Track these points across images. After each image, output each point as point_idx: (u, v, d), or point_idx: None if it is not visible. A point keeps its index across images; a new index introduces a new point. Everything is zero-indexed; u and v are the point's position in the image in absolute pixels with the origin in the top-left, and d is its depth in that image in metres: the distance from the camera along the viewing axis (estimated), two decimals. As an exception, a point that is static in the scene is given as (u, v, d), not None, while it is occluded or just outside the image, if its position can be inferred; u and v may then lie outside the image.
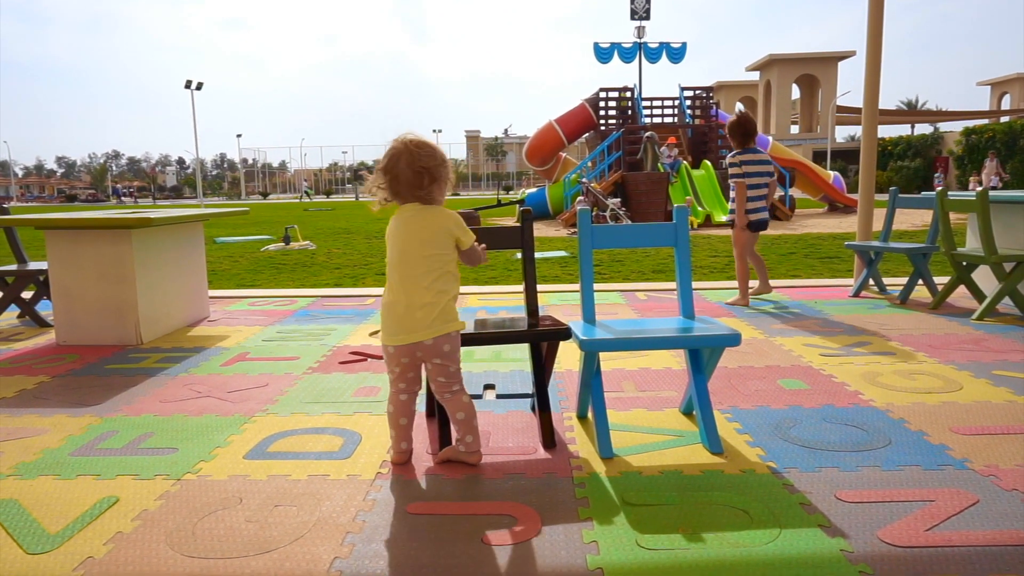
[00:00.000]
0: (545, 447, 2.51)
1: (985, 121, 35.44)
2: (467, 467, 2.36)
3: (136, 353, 4.04)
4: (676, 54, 22.82)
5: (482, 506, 2.08)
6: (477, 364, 3.67)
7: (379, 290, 6.25)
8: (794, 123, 48.20)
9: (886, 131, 45.64)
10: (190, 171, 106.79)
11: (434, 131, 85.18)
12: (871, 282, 5.70)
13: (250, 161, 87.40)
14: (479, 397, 3.13)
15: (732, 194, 5.23)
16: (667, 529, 1.93)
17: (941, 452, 2.41)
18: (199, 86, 38.36)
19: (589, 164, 18.23)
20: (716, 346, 2.51)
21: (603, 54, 22.81)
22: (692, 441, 2.55)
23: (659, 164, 15.63)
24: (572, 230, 13.63)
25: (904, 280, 5.57)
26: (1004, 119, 34.60)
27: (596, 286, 6.02)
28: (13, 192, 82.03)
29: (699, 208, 14.74)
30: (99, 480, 2.31)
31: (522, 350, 3.82)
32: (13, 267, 5.02)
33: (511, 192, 47.10)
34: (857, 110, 35.78)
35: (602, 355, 2.91)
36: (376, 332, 4.39)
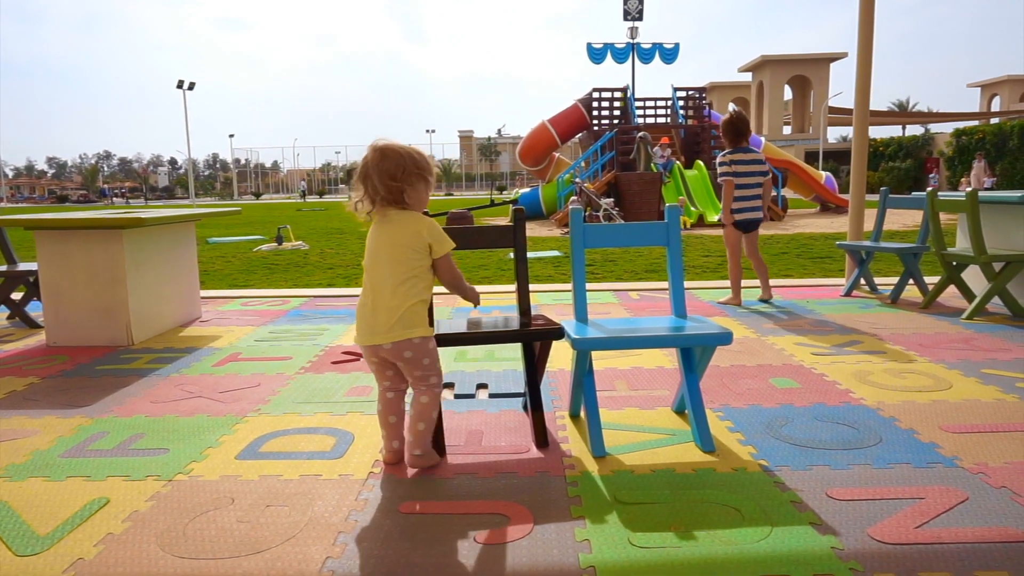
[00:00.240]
0: (538, 446, 2.51)
1: (975, 122, 35.68)
2: (458, 466, 2.36)
3: (127, 354, 4.02)
4: (669, 55, 22.89)
5: (474, 505, 2.08)
6: (470, 363, 3.67)
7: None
8: (786, 124, 48.40)
9: (877, 132, 45.90)
10: (182, 171, 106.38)
11: (427, 131, 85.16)
12: (862, 282, 5.72)
13: (242, 161, 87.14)
14: (471, 396, 3.13)
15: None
16: (659, 527, 1.93)
17: (931, 450, 2.42)
18: (191, 86, 38.22)
19: (582, 164, 18.25)
20: (708, 345, 2.52)
21: (596, 54, 22.85)
22: (684, 440, 2.56)
23: (652, 164, 15.67)
24: (565, 230, 13.64)
25: (895, 280, 5.60)
26: (994, 120, 34.84)
27: (589, 286, 6.02)
28: (3, 193, 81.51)
29: (692, 208, 14.78)
30: (89, 481, 2.30)
31: (515, 349, 3.83)
32: (3, 268, 4.98)
33: (504, 192, 47.11)
34: (849, 111, 35.97)
35: (594, 354, 2.91)
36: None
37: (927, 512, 1.98)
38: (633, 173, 15.44)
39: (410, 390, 2.34)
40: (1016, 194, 4.67)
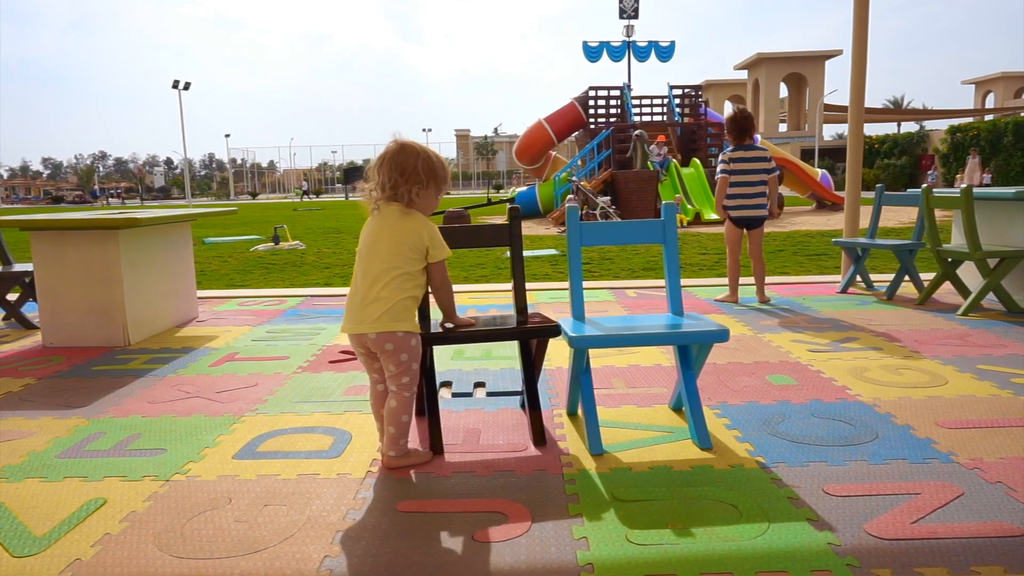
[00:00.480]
0: (535, 444, 2.52)
1: (970, 119, 35.74)
2: (456, 465, 2.36)
3: (124, 354, 4.01)
4: (665, 53, 22.88)
5: (472, 503, 2.09)
6: (467, 362, 3.67)
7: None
8: (782, 121, 48.44)
9: (872, 129, 45.99)
10: (178, 171, 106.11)
11: (424, 130, 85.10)
12: (858, 278, 5.74)
13: (239, 161, 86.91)
14: (469, 395, 3.14)
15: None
16: (657, 524, 1.94)
17: (927, 446, 2.43)
18: (187, 86, 38.12)
19: (579, 162, 18.25)
20: (705, 342, 2.52)
21: (592, 53, 22.84)
22: (681, 437, 2.56)
23: (648, 162, 15.68)
24: (562, 228, 13.64)
25: (891, 276, 5.62)
26: (988, 117, 34.94)
27: (586, 284, 6.02)
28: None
29: (688, 206, 14.80)
30: (86, 482, 2.29)
31: (512, 348, 3.83)
32: (-2, 268, 4.97)
33: (501, 191, 47.10)
34: (844, 108, 36.01)
35: (592, 352, 2.92)
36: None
37: (923, 507, 1.99)
38: (630, 171, 15.44)
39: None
40: (1010, 190, 4.68)
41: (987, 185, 24.71)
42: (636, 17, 23.38)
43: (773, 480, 2.19)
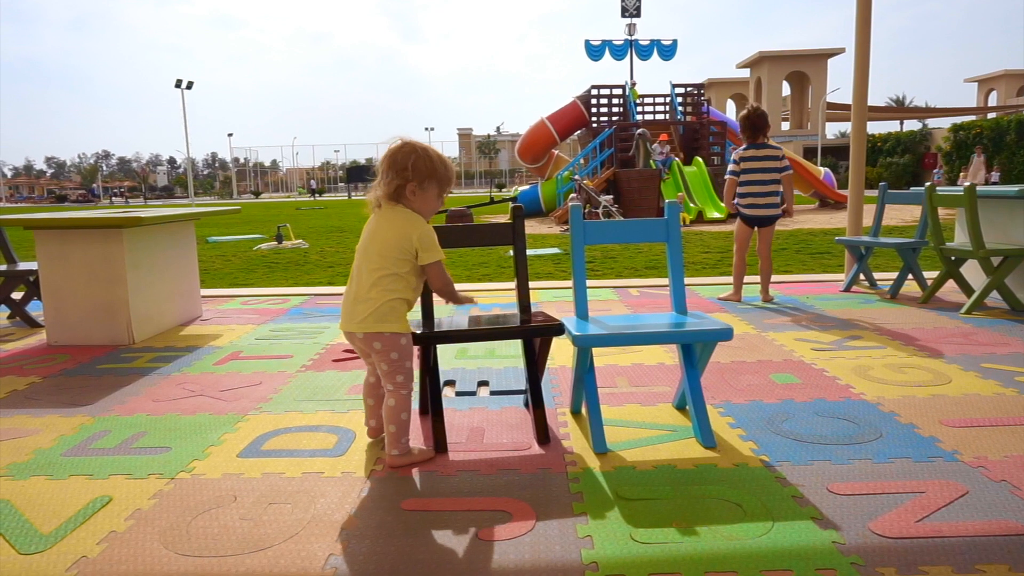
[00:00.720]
0: (539, 443, 2.52)
1: (972, 117, 35.64)
2: (460, 463, 2.36)
3: (128, 353, 4.02)
4: (667, 51, 22.85)
5: (477, 502, 2.09)
6: (471, 360, 3.67)
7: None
8: (784, 120, 48.34)
9: (875, 127, 45.91)
10: (181, 171, 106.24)
11: (426, 129, 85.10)
12: (862, 277, 5.73)
13: (241, 160, 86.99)
14: (472, 394, 3.14)
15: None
16: (661, 523, 1.94)
17: (931, 444, 2.43)
18: (189, 85, 38.15)
19: (581, 161, 18.24)
20: (708, 341, 2.52)
21: (594, 51, 22.82)
22: (685, 435, 2.56)
23: (651, 161, 15.66)
24: (565, 227, 13.64)
25: (894, 275, 5.61)
26: (991, 115, 34.84)
27: (589, 282, 6.02)
28: (2, 193, 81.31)
29: (691, 204, 14.78)
30: (92, 480, 2.30)
31: (515, 346, 3.83)
32: (3, 268, 4.98)
33: (504, 190, 47.07)
34: (846, 107, 35.94)
35: (595, 351, 2.91)
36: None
37: (928, 506, 1.99)
38: (632, 170, 15.44)
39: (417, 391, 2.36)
40: (1014, 188, 4.67)
41: (995, 183, 24.66)
42: (638, 16, 23.37)
43: (777, 479, 2.19)
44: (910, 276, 5.32)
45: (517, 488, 2.17)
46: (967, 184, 4.67)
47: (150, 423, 2.83)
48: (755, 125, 5.15)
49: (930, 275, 5.43)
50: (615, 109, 19.41)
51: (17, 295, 5.08)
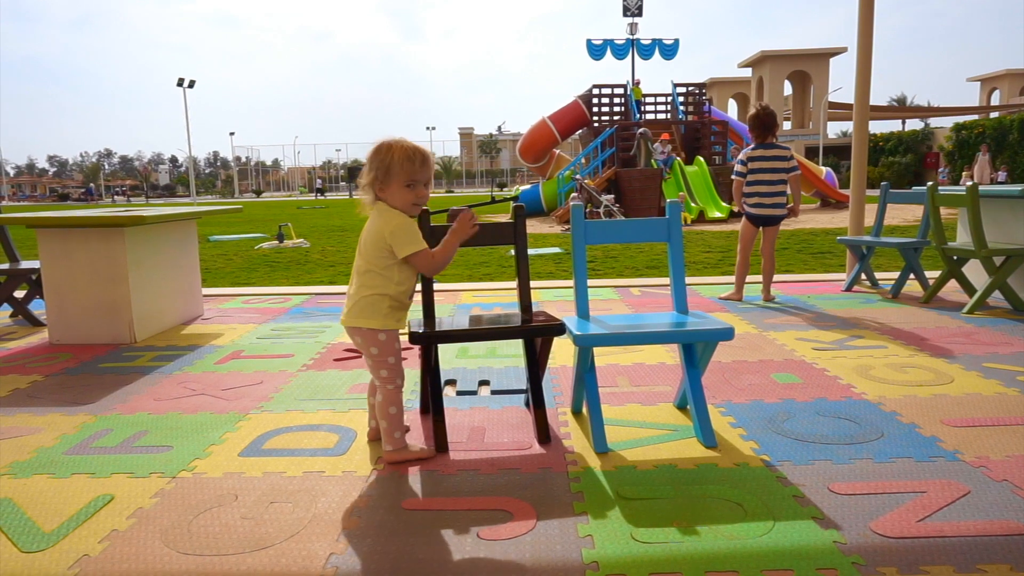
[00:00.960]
0: (540, 442, 2.52)
1: (975, 117, 35.58)
2: (460, 463, 2.37)
3: (130, 351, 4.03)
4: (669, 51, 22.83)
5: (477, 501, 2.09)
6: (472, 360, 3.67)
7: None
8: (786, 119, 48.29)
9: (877, 127, 45.84)
10: (183, 169, 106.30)
11: (428, 128, 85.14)
12: (863, 276, 5.73)
13: (243, 159, 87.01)
14: (473, 393, 3.14)
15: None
16: (662, 522, 1.94)
17: (933, 444, 2.43)
18: (191, 84, 38.18)
19: (583, 161, 18.24)
20: (709, 340, 2.52)
21: (596, 51, 22.80)
22: (686, 435, 2.56)
23: (652, 160, 15.65)
24: (566, 226, 13.64)
25: (896, 274, 5.60)
26: (994, 115, 34.77)
27: (590, 282, 6.02)
28: (5, 191, 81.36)
29: (692, 204, 14.77)
30: (94, 478, 2.31)
31: (516, 346, 3.83)
32: (5, 266, 4.99)
33: (505, 189, 47.06)
34: (848, 106, 35.86)
35: (596, 350, 2.91)
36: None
37: (929, 506, 1.99)
38: (634, 169, 15.43)
39: (417, 390, 2.36)
40: (1016, 188, 4.66)
41: (1002, 182, 24.62)
42: (640, 15, 23.34)
43: (778, 478, 2.19)
44: (912, 276, 5.32)
45: (518, 488, 2.17)
46: (969, 184, 4.67)
47: (152, 422, 2.83)
48: (765, 124, 5.13)
49: (932, 275, 5.42)
50: (616, 108, 19.40)
51: (19, 293, 5.09)
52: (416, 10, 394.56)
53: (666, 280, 6.22)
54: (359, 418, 2.82)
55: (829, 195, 18.36)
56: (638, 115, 19.19)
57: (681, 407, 2.86)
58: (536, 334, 2.54)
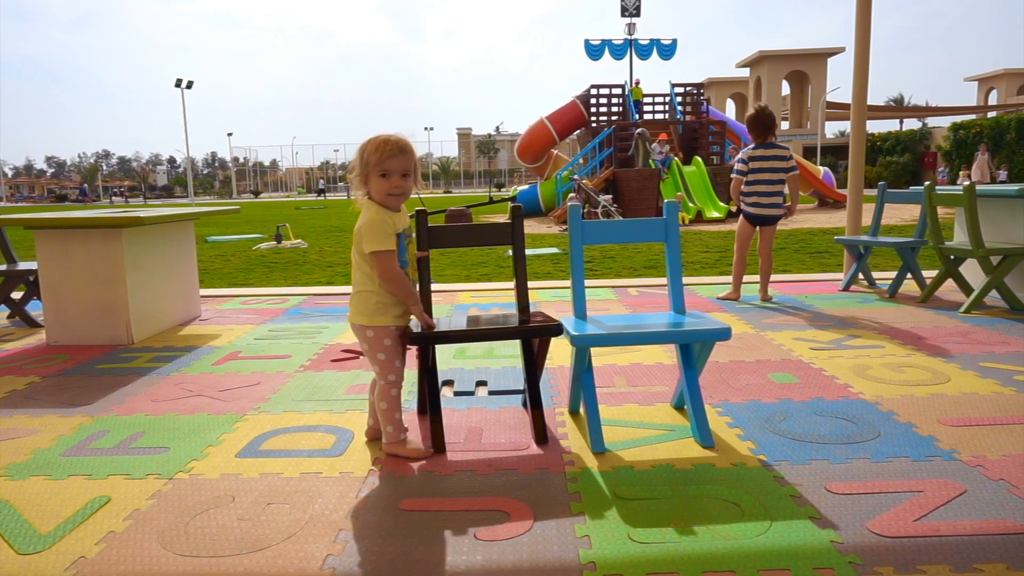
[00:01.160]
0: (537, 443, 2.52)
1: (972, 116, 35.63)
2: (458, 463, 2.37)
3: (127, 353, 4.02)
4: (666, 51, 22.84)
5: (475, 502, 2.09)
6: (469, 360, 3.67)
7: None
8: (784, 119, 48.33)
9: (875, 127, 45.93)
10: (181, 170, 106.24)
11: (426, 128, 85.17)
12: (860, 276, 5.73)
13: (241, 160, 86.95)
14: (471, 394, 3.14)
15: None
16: (659, 523, 1.94)
17: (929, 443, 2.43)
18: (189, 84, 38.14)
19: (580, 161, 18.24)
20: (707, 340, 2.52)
21: (594, 51, 22.81)
22: (683, 435, 2.56)
23: (650, 160, 15.66)
24: (564, 227, 13.64)
25: (893, 274, 5.61)
26: (991, 114, 34.84)
27: (588, 282, 6.03)
28: (2, 192, 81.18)
29: (690, 204, 14.78)
30: (90, 480, 2.30)
31: (514, 346, 3.83)
32: (2, 267, 4.98)
33: (503, 189, 47.06)
34: (846, 106, 35.90)
35: (594, 350, 2.92)
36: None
37: (926, 505, 1.99)
38: (631, 169, 15.44)
39: (415, 391, 2.37)
40: (1013, 187, 4.67)
41: (1003, 182, 24.65)
42: (638, 15, 23.35)
43: (775, 478, 2.19)
44: (909, 275, 5.33)
45: (515, 488, 2.17)
46: (967, 183, 4.67)
47: (149, 423, 2.83)
48: (765, 124, 5.13)
49: (929, 274, 5.43)
50: (614, 109, 19.41)
51: (17, 295, 5.08)
52: (416, 10, 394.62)
53: (664, 280, 6.22)
54: (356, 419, 2.82)
55: (827, 195, 18.39)
56: (636, 115, 19.20)
57: (678, 407, 2.87)
58: (534, 335, 2.54)
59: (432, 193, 50.80)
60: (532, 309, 2.75)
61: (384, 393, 2.39)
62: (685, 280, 6.06)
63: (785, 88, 47.53)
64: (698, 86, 20.08)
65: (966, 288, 4.79)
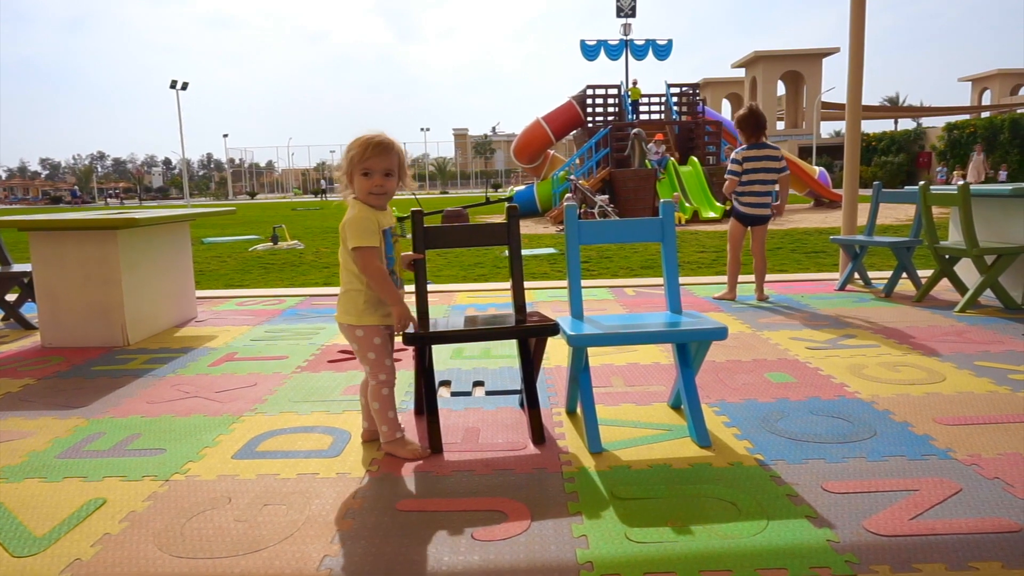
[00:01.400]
0: (534, 443, 2.52)
1: (966, 116, 35.77)
2: (455, 464, 2.36)
3: (123, 354, 4.01)
4: (662, 51, 22.89)
5: (472, 502, 2.09)
6: (466, 361, 3.67)
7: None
8: (780, 119, 48.47)
9: (870, 127, 46.07)
10: (176, 172, 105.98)
11: (422, 129, 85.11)
12: (856, 276, 5.75)
13: (237, 161, 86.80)
14: (468, 394, 3.14)
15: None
16: (656, 522, 1.94)
17: (925, 442, 2.44)
18: (184, 86, 38.07)
19: (577, 161, 18.25)
20: (703, 340, 2.53)
21: (589, 51, 22.85)
22: (680, 435, 2.57)
23: (646, 161, 15.68)
24: (560, 227, 13.65)
25: (888, 274, 5.62)
26: (985, 114, 34.97)
27: (584, 282, 6.03)
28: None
29: (686, 204, 14.81)
30: (86, 482, 2.29)
31: (511, 346, 3.83)
32: (-4, 269, 4.96)
33: (500, 190, 47.07)
34: (841, 106, 35.96)
35: (590, 350, 2.92)
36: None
37: (921, 504, 2.00)
38: (628, 170, 15.45)
39: (410, 391, 2.36)
40: (1007, 187, 4.69)
41: (1003, 182, 24.72)
42: (633, 15, 23.41)
43: (772, 477, 2.19)
44: (904, 275, 5.34)
45: (512, 488, 2.17)
46: (961, 183, 4.69)
47: (144, 425, 2.82)
48: (757, 124, 5.13)
49: (924, 274, 5.45)
50: (610, 109, 19.43)
51: (11, 297, 5.06)
52: (411, 11, 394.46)
53: (660, 280, 6.23)
54: (353, 420, 2.81)
55: (822, 195, 18.43)
56: (632, 115, 19.21)
57: (675, 407, 2.87)
58: (530, 334, 2.54)
59: (428, 194, 50.71)
60: (529, 309, 2.75)
61: (376, 393, 2.39)
62: (681, 280, 6.06)
63: (780, 88, 47.65)
64: (694, 86, 20.11)
65: (961, 287, 4.81)
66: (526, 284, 3.15)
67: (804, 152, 39.52)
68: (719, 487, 2.14)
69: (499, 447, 2.50)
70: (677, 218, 13.72)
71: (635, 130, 16.02)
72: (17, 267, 5.01)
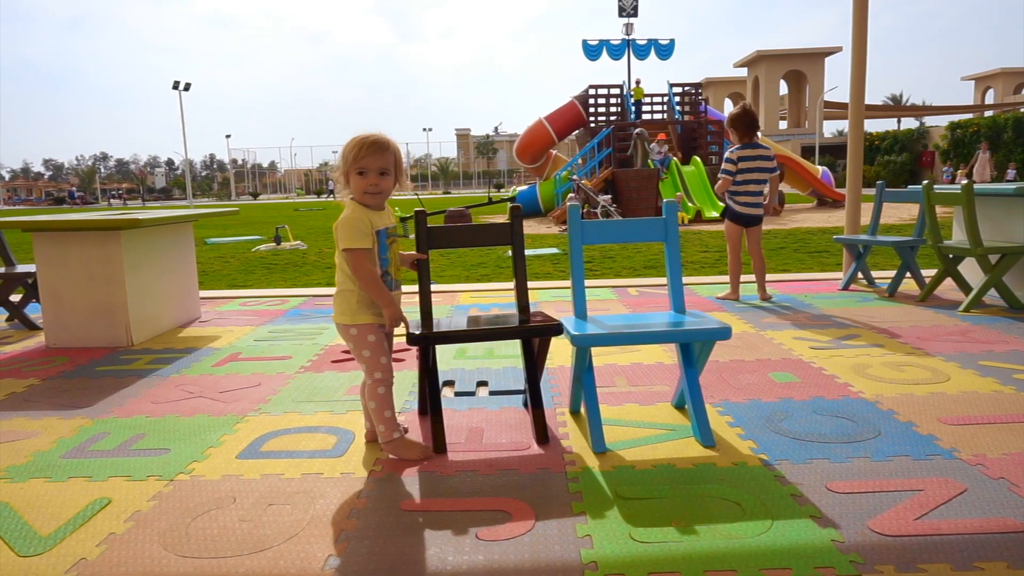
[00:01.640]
0: (538, 443, 2.52)
1: (969, 115, 35.68)
2: (459, 464, 2.37)
3: (127, 355, 4.02)
4: (664, 51, 22.85)
5: (476, 502, 2.09)
6: (470, 361, 3.67)
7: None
8: (782, 119, 48.42)
9: (872, 126, 45.99)
10: (179, 172, 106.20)
11: (424, 129, 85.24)
12: (860, 275, 5.74)
13: (239, 162, 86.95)
14: (472, 394, 3.14)
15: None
16: (660, 522, 1.94)
17: (929, 442, 2.43)
18: (187, 86, 38.15)
19: (579, 161, 18.25)
20: (707, 340, 2.52)
21: (591, 51, 22.82)
22: (684, 435, 2.56)
23: (649, 160, 15.67)
24: (563, 227, 13.64)
25: (892, 273, 5.61)
26: (988, 113, 34.88)
27: (587, 282, 6.02)
28: (0, 195, 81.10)
29: (689, 204, 14.79)
30: (91, 482, 2.30)
31: (514, 346, 3.83)
32: (1, 270, 4.97)
33: (502, 190, 47.06)
34: (844, 105, 35.93)
35: (594, 350, 2.92)
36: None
37: (926, 504, 1.99)
38: (630, 169, 15.44)
39: (413, 391, 2.36)
40: (1011, 186, 4.68)
41: (1010, 180, 24.64)
42: (635, 15, 23.35)
43: (776, 477, 2.19)
44: (908, 274, 5.33)
45: (516, 488, 2.17)
46: (964, 182, 4.68)
47: (149, 425, 2.83)
48: (751, 123, 5.14)
49: (928, 273, 5.44)
50: (613, 109, 19.42)
51: (15, 297, 5.07)
52: (411, 11, 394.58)
53: (663, 280, 6.23)
54: (357, 420, 2.82)
55: (825, 194, 18.40)
56: (634, 115, 19.20)
57: (679, 407, 2.87)
58: (534, 334, 2.54)
59: (431, 194, 50.75)
60: (532, 309, 2.75)
61: (372, 392, 2.38)
62: (685, 280, 6.05)
63: (783, 88, 47.60)
64: (696, 86, 20.09)
65: (965, 287, 4.80)
66: (529, 284, 3.14)
67: (807, 151, 39.48)
68: (723, 487, 2.14)
69: (503, 447, 2.50)
70: (680, 218, 13.71)
71: (638, 130, 16.01)
72: (21, 268, 5.02)
